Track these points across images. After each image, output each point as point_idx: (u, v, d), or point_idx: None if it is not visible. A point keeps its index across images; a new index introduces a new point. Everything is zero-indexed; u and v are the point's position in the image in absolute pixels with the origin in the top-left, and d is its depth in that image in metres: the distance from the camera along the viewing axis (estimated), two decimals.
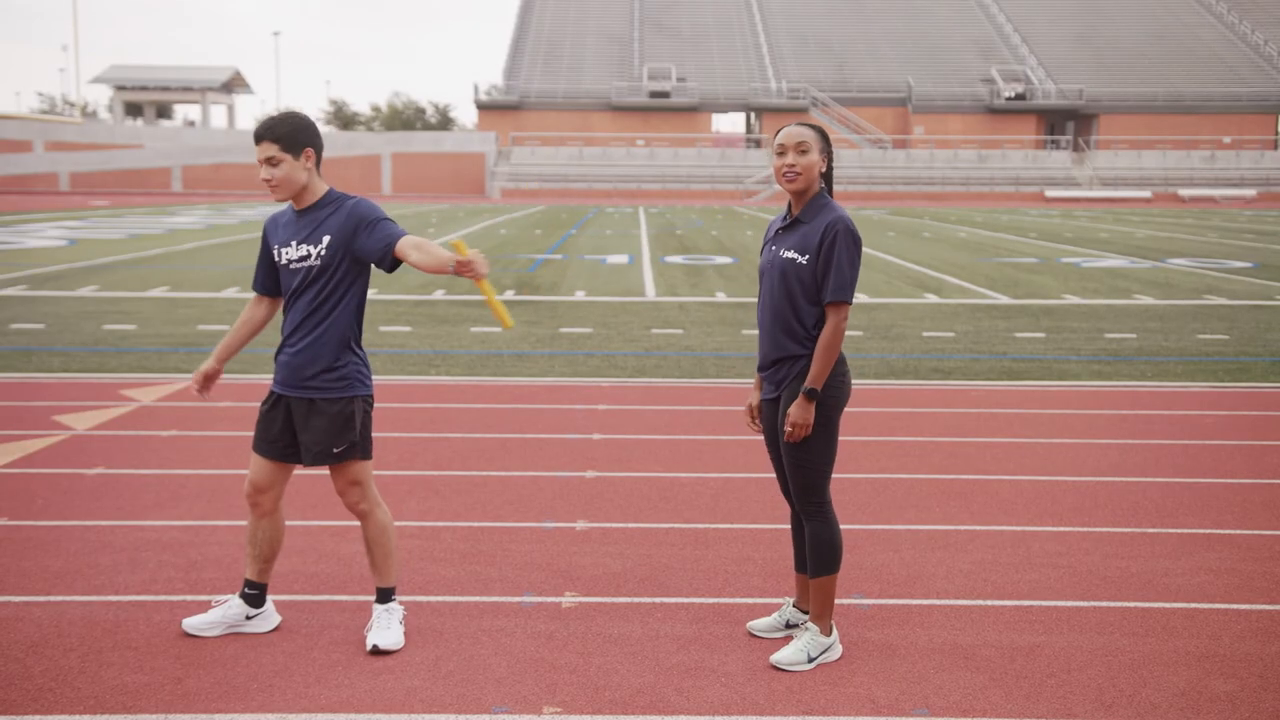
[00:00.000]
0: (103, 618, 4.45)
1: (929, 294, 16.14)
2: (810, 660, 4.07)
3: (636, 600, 4.69)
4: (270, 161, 4.11)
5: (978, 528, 5.69)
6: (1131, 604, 4.70)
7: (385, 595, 4.31)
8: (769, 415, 4.21)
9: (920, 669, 4.08)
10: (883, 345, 11.50)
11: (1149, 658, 4.19)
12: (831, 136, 4.11)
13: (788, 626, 4.34)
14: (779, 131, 4.07)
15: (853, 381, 9.37)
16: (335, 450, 4.15)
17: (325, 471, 6.58)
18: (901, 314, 13.93)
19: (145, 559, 5.13)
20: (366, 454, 4.24)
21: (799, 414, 3.97)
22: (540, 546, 5.34)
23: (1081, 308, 14.63)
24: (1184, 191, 60.01)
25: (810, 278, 3.98)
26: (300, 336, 4.16)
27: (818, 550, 4.11)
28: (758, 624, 4.39)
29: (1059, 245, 26.06)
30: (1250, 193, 59.30)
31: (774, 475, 4.39)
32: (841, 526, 5.60)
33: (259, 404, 4.31)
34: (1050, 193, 59.30)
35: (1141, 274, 19.18)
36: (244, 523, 5.61)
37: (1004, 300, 15.45)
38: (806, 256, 3.98)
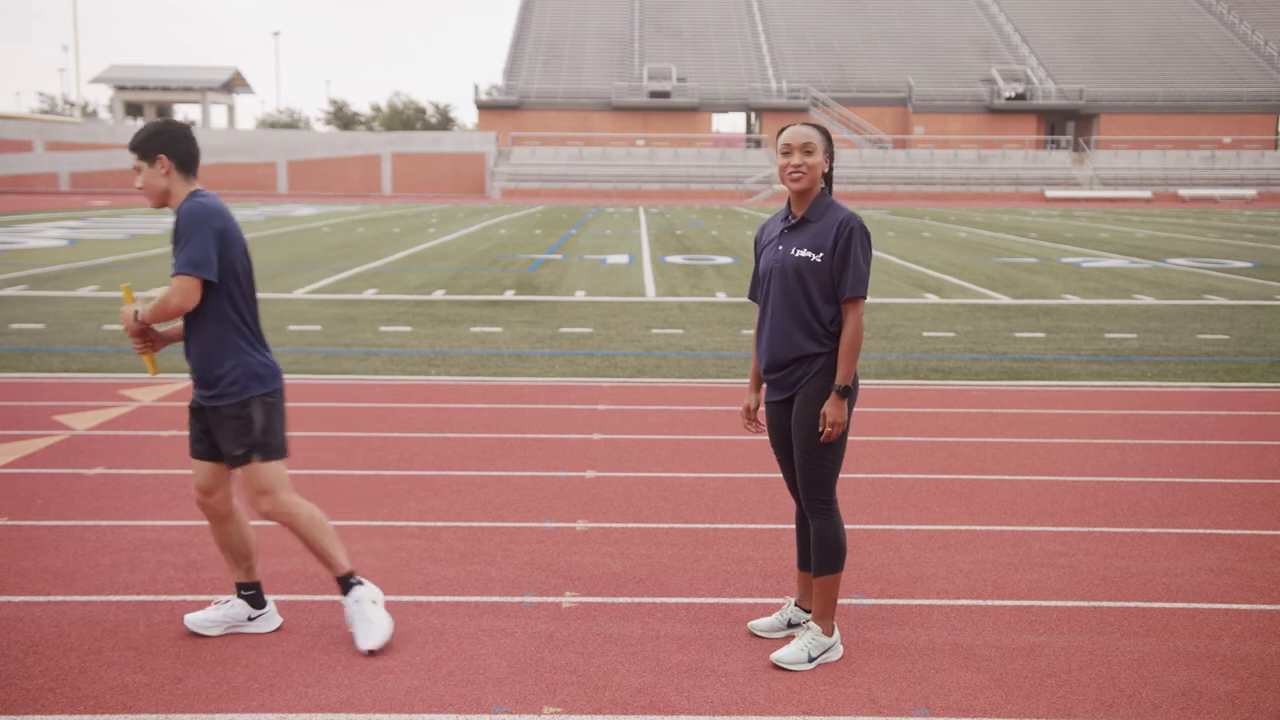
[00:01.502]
0: (103, 618, 4.45)
1: (929, 294, 16.14)
2: (811, 660, 4.07)
3: (636, 600, 4.69)
4: (136, 169, 4.12)
5: (978, 528, 5.69)
6: (1131, 604, 4.70)
7: (346, 583, 4.24)
8: (776, 417, 4.20)
9: (920, 669, 4.08)
10: (883, 345, 11.50)
11: (1149, 657, 4.19)
12: (832, 136, 4.12)
13: (789, 626, 4.34)
14: (783, 131, 4.09)
15: None
16: (235, 454, 4.14)
17: (323, 471, 6.59)
18: (901, 314, 13.93)
19: (145, 559, 5.13)
20: (271, 453, 4.17)
21: (835, 413, 3.98)
22: (540, 546, 5.34)
23: (1081, 308, 14.63)
24: (1184, 191, 60.01)
25: (826, 275, 4.01)
26: (187, 344, 4.16)
27: (823, 549, 4.11)
28: (759, 623, 4.38)
29: (1059, 245, 26.06)
30: (1250, 193, 59.30)
31: (778, 475, 4.40)
32: None
33: None
34: (1050, 193, 59.30)
35: (1141, 274, 19.18)
36: None
37: (1004, 300, 15.45)
38: (820, 254, 4.01)
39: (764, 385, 4.26)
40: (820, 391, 4.04)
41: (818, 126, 4.09)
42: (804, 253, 4.03)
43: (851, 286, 3.99)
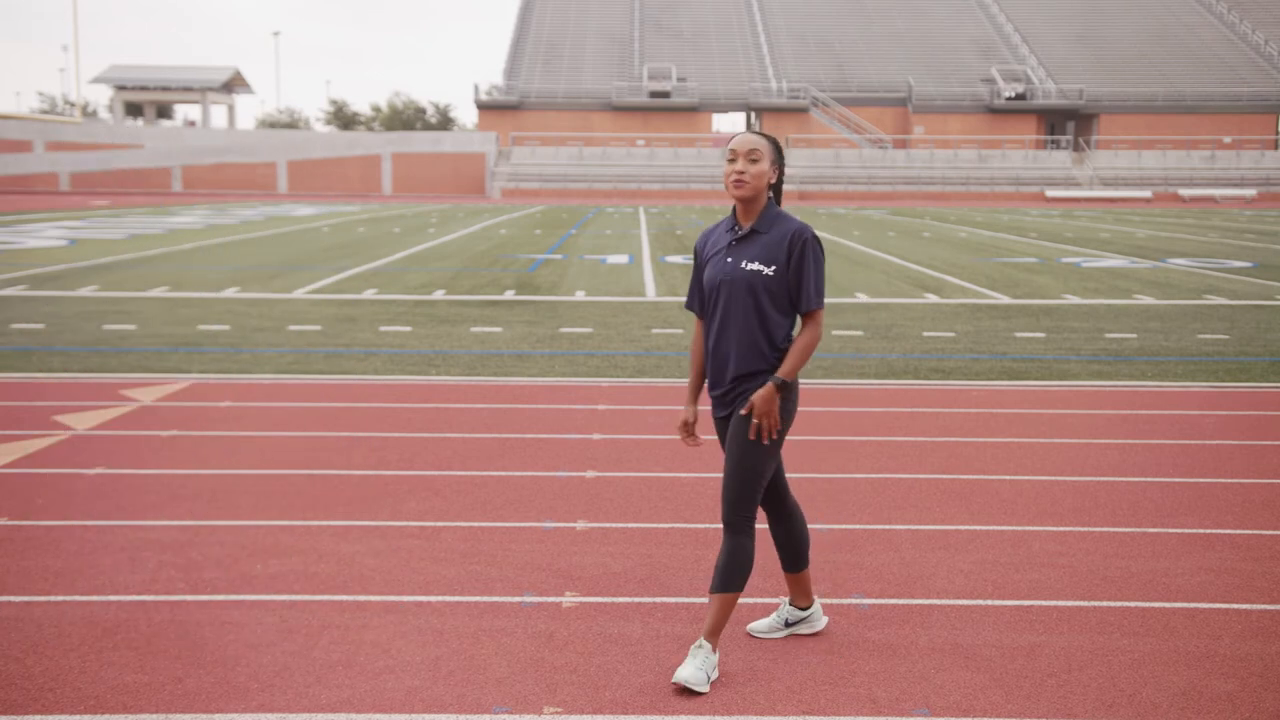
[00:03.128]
0: (103, 618, 4.45)
1: (929, 294, 16.14)
2: (708, 679, 3.92)
3: (636, 600, 4.69)
4: None
5: (978, 528, 5.69)
6: (1131, 604, 4.70)
7: None
8: (721, 432, 4.10)
9: (920, 669, 4.08)
10: (883, 345, 11.50)
11: (1149, 657, 4.19)
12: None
13: (787, 625, 4.34)
14: (731, 138, 4.01)
15: (852, 381, 9.42)
16: None
17: (324, 471, 6.59)
18: (901, 314, 13.93)
19: (145, 559, 5.13)
20: None
21: (765, 403, 3.86)
22: (540, 546, 5.34)
23: (1082, 308, 14.63)
24: (1184, 191, 60.02)
25: (780, 288, 3.92)
26: None
27: (734, 566, 3.95)
28: (757, 625, 4.38)
29: (1059, 245, 26.06)
30: (1250, 193, 59.30)
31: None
32: (842, 526, 5.64)
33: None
34: (1050, 192, 59.31)
35: (1142, 274, 19.18)
36: (245, 522, 5.62)
37: (1004, 300, 15.45)
38: (773, 267, 3.90)
39: (709, 398, 4.11)
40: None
41: (767, 136, 4.01)
42: (755, 266, 3.91)
43: (811, 299, 3.91)
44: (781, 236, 3.94)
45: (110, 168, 62.74)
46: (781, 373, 3.90)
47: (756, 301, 3.92)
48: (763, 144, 3.96)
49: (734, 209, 4.05)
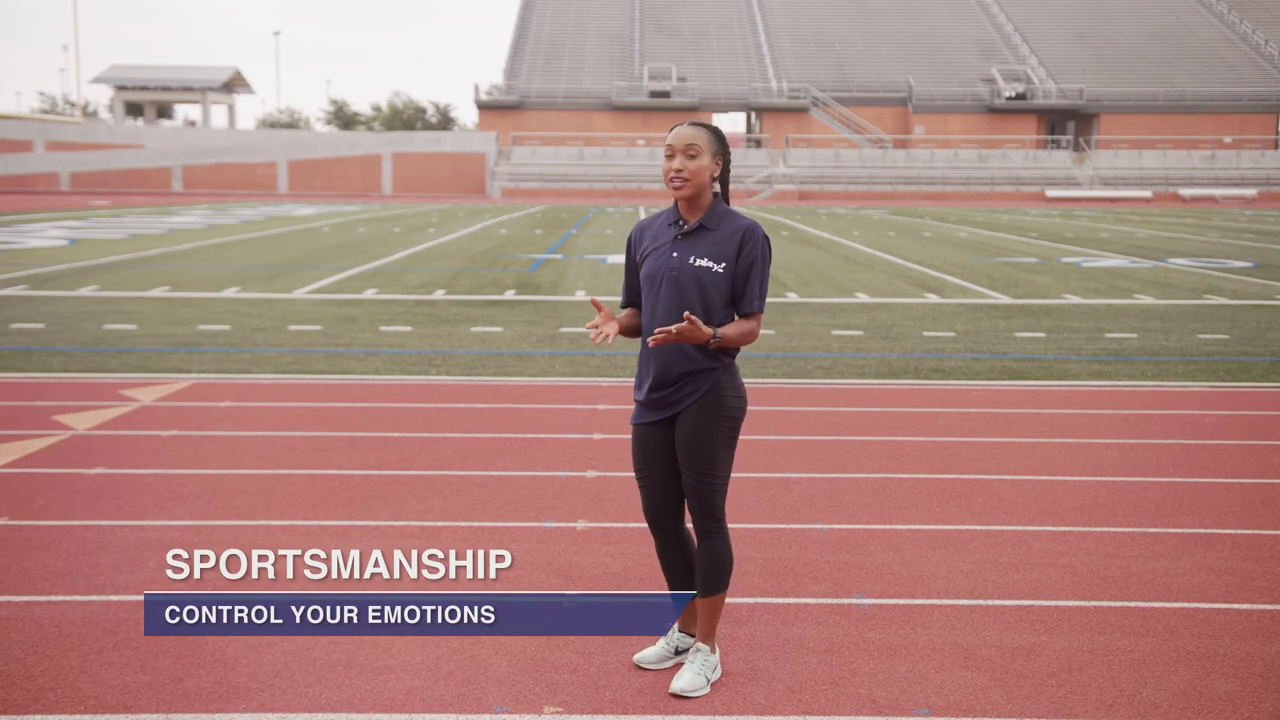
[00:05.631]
0: (103, 618, 4.45)
1: (929, 294, 16.14)
2: (708, 683, 3.91)
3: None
4: None
5: (978, 528, 5.69)
6: (1132, 604, 4.70)
7: None
8: (650, 439, 3.92)
9: (920, 669, 4.08)
10: (883, 345, 11.50)
11: (1149, 657, 4.19)
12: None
13: (677, 653, 4.10)
14: (670, 131, 3.83)
15: (852, 381, 9.42)
16: None
17: (324, 471, 6.59)
18: (901, 314, 13.93)
19: (145, 559, 5.13)
20: None
21: (690, 332, 3.63)
22: (540, 546, 5.34)
23: (1082, 307, 14.63)
24: (1184, 191, 60.00)
25: (727, 285, 3.79)
26: None
27: (716, 568, 3.91)
28: (646, 655, 4.09)
29: (1059, 245, 26.05)
30: (1250, 192, 59.29)
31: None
32: (842, 526, 5.64)
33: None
34: (1051, 192, 59.29)
35: (1142, 274, 19.18)
36: (246, 522, 5.62)
37: (1004, 300, 15.45)
38: (723, 264, 3.77)
39: (639, 402, 3.95)
40: (709, 409, 3.80)
41: (707, 126, 3.80)
42: (704, 262, 3.78)
43: (754, 301, 3.80)
44: (732, 234, 3.80)
45: (110, 168, 62.72)
46: (721, 331, 3.74)
47: (704, 297, 3.77)
48: (701, 137, 3.78)
49: (675, 203, 3.89)
